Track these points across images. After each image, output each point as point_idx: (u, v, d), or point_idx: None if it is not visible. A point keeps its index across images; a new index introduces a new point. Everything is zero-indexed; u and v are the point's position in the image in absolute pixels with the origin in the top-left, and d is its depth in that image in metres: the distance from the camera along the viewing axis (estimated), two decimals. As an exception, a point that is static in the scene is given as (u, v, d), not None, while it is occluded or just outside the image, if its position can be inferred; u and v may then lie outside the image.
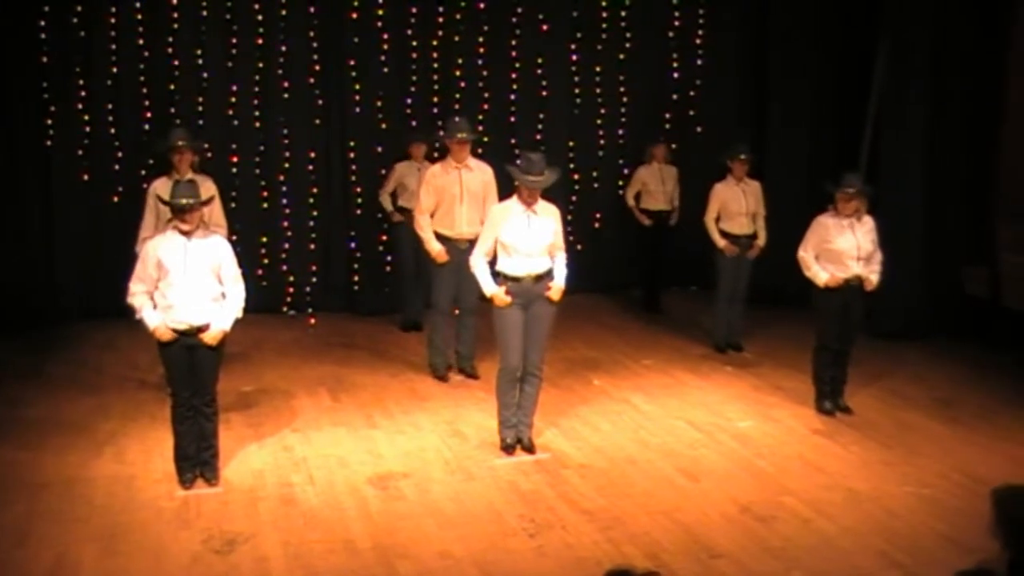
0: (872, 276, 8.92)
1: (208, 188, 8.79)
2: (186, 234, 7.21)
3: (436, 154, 11.29)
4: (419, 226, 9.76)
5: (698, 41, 13.54)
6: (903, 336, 11.25)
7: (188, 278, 7.18)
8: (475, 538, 6.81)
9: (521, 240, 7.88)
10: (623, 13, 13.25)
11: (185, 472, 7.50)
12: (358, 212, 12.38)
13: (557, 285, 8.04)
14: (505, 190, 9.63)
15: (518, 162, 8.08)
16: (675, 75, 13.53)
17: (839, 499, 7.42)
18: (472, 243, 9.11)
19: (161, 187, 8.87)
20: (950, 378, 10.15)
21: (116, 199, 11.77)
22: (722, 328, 10.98)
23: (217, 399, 7.54)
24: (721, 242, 10.69)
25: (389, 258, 12.42)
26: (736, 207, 10.65)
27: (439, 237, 9.67)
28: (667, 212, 12.44)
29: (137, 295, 7.25)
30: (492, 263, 8.10)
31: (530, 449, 8.19)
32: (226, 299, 7.36)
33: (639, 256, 12.84)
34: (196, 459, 7.53)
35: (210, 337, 7.26)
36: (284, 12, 12.06)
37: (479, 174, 9.71)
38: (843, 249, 8.82)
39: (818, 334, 9.10)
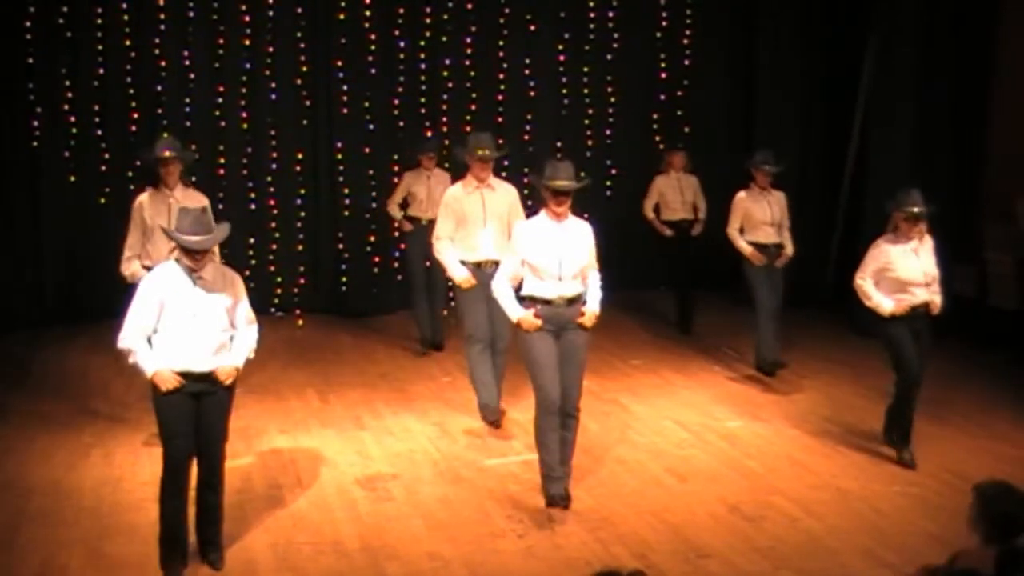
0: (936, 298, 8.07)
1: (200, 205, 7.88)
2: (194, 271, 6.15)
3: (447, 164, 11.06)
4: (439, 253, 8.80)
5: (686, 41, 13.55)
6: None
7: (197, 322, 6.12)
8: (464, 539, 6.80)
9: (551, 261, 7.11)
10: (611, 14, 13.26)
11: (170, 559, 6.25)
12: (346, 213, 12.37)
13: (591, 310, 7.23)
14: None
15: (545, 171, 7.21)
16: (663, 75, 13.54)
17: (828, 498, 7.43)
18: (499, 265, 8.20)
19: (148, 203, 8.14)
20: (937, 377, 10.10)
21: (103, 200, 11.75)
22: (769, 344, 10.05)
23: (224, 465, 6.48)
24: (748, 249, 9.96)
25: (377, 259, 12.42)
26: (761, 216, 10.02)
27: (463, 264, 8.71)
28: (688, 221, 11.69)
29: (129, 338, 6.15)
30: (517, 289, 7.36)
31: (567, 501, 7.25)
32: (236, 339, 6.32)
33: (668, 270, 12.19)
34: (185, 544, 6.35)
35: (223, 373, 6.17)
36: (271, 13, 12.06)
37: (503, 195, 8.79)
38: (908, 277, 7.92)
39: (898, 366, 8.05)
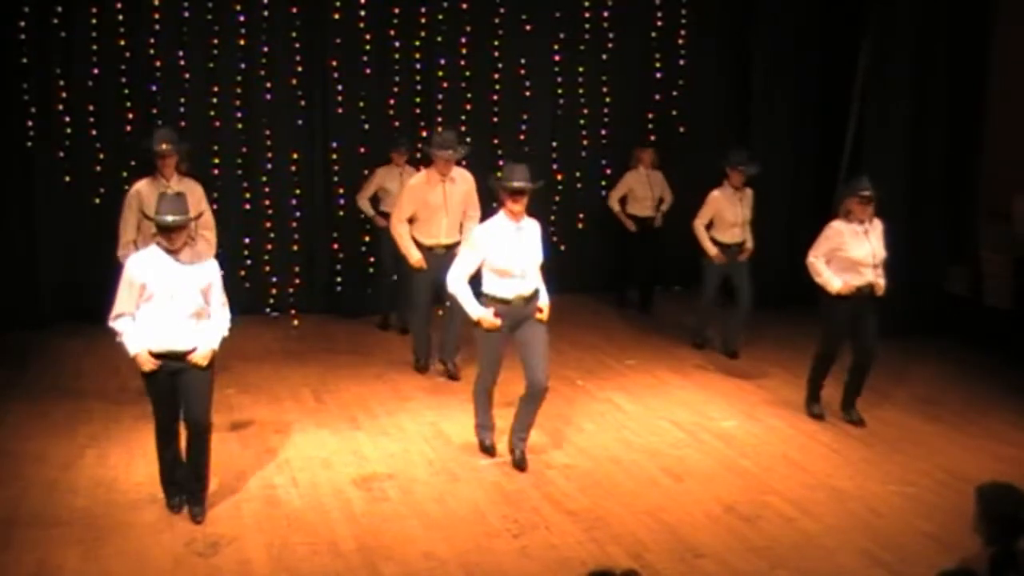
0: (880, 280, 8.61)
1: (195, 192, 8.50)
2: (173, 253, 6.65)
3: (418, 155, 11.25)
4: (397, 234, 9.74)
5: (680, 41, 13.54)
6: (885, 335, 11.22)
7: (176, 303, 6.64)
8: (459, 539, 6.80)
9: (515, 260, 7.59)
10: (605, 14, 13.24)
11: (172, 496, 7.11)
12: (340, 213, 12.35)
13: (546, 304, 7.82)
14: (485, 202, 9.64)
15: (499, 173, 7.79)
16: (658, 75, 13.53)
17: (823, 498, 7.44)
18: (449, 248, 9.43)
19: (145, 190, 8.61)
20: (933, 377, 10.18)
21: (98, 200, 11.70)
22: (703, 326, 10.92)
23: (211, 428, 7.02)
24: (713, 250, 10.41)
25: (372, 259, 12.41)
26: (732, 216, 10.37)
27: (416, 244, 9.68)
28: (652, 219, 12.32)
29: (120, 318, 6.70)
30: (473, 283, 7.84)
31: (522, 465, 7.90)
32: (212, 319, 6.84)
33: (622, 262, 12.75)
34: (184, 486, 7.07)
35: (199, 356, 6.74)
36: (266, 13, 12.02)
37: (462, 185, 9.67)
38: (859, 257, 8.48)
39: (822, 341, 8.83)
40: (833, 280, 8.52)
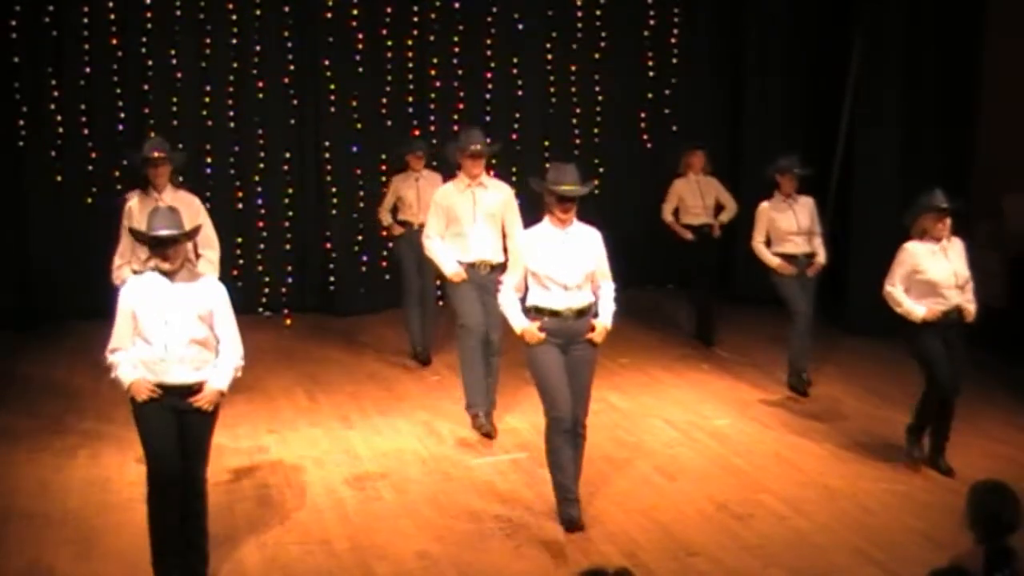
0: (970, 305, 7.74)
1: (192, 206, 7.80)
2: (169, 275, 5.88)
3: (436, 162, 10.86)
4: (428, 250, 8.59)
5: (673, 40, 13.55)
6: (878, 333, 11.24)
7: (170, 329, 5.84)
8: (452, 538, 6.80)
9: (555, 267, 6.70)
10: (598, 12, 13.25)
11: (160, 563, 6.04)
12: (333, 212, 12.36)
13: (603, 324, 6.84)
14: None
15: (548, 174, 6.90)
16: (650, 74, 13.54)
17: (815, 496, 7.44)
18: (495, 268, 8.26)
19: (137, 206, 7.83)
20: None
21: (90, 200, 11.72)
22: (801, 362, 9.67)
23: (207, 484, 6.17)
24: (775, 261, 9.40)
25: (365, 259, 12.42)
26: (786, 226, 9.43)
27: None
28: (709, 226, 11.08)
29: (116, 352, 5.98)
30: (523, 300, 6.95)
31: (580, 526, 6.84)
32: (221, 355, 6.01)
33: (689, 279, 11.65)
34: (177, 562, 6.07)
35: (204, 400, 5.91)
36: (258, 12, 12.05)
37: (496, 193, 8.50)
38: (939, 279, 7.60)
39: (929, 378, 7.75)
40: (916, 308, 7.63)
